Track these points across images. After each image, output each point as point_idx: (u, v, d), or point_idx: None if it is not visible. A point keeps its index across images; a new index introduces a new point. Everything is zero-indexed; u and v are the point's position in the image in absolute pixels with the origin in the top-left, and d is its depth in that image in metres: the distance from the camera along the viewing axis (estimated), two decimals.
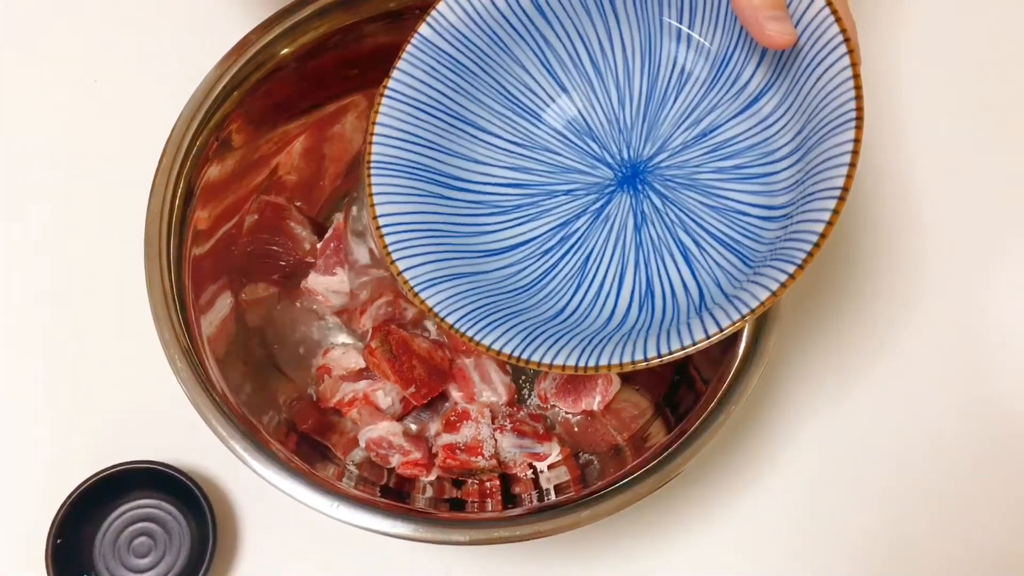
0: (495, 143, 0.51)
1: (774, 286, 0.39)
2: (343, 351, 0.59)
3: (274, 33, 0.52)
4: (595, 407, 0.58)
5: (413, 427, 0.59)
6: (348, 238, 0.55)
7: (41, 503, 0.55)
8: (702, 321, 0.41)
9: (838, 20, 0.39)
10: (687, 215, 0.47)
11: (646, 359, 0.41)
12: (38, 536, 0.54)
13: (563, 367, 0.42)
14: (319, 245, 0.60)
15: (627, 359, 0.41)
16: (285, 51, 0.53)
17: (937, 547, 0.58)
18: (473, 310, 0.46)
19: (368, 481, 0.54)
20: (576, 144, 0.50)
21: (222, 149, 0.54)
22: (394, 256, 0.46)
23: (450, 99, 0.49)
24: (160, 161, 0.51)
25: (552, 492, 0.53)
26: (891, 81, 0.65)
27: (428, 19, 0.48)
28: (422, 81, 0.49)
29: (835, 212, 0.39)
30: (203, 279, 0.53)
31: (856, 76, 0.39)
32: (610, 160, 0.49)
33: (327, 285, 0.58)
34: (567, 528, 0.46)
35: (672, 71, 0.48)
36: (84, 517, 0.55)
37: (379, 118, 0.48)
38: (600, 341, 0.44)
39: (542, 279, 0.49)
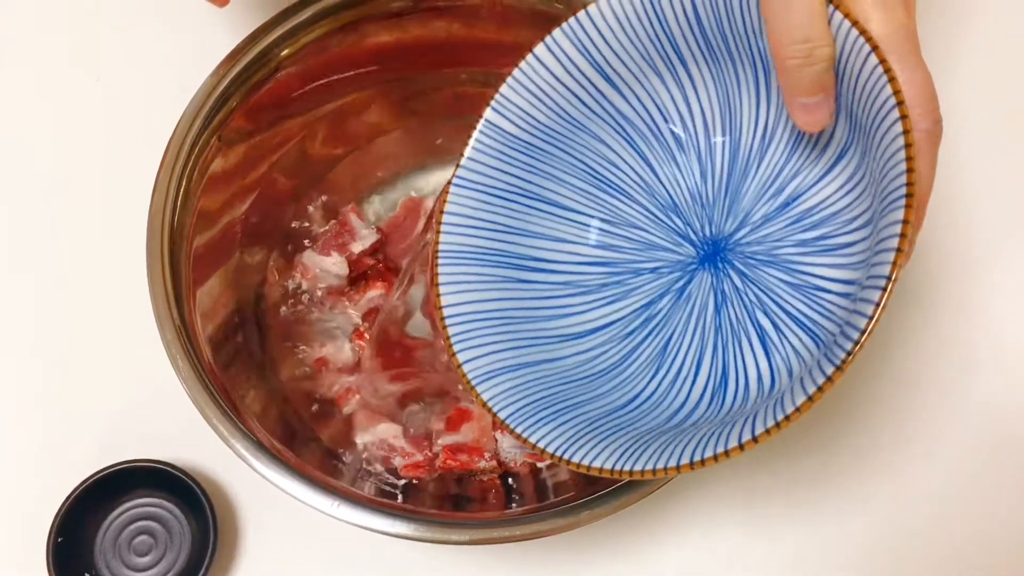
0: (581, 220, 0.49)
1: (811, 389, 0.36)
2: (340, 344, 0.59)
3: (276, 33, 0.53)
4: None
5: (414, 423, 0.59)
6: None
7: (42, 501, 0.55)
8: (749, 422, 0.38)
9: (891, 80, 0.35)
10: (767, 295, 0.44)
11: (678, 466, 0.38)
12: (39, 534, 0.54)
13: (600, 469, 0.40)
14: (324, 228, 0.61)
15: (660, 465, 0.38)
16: (286, 52, 0.53)
17: (939, 545, 0.58)
18: (531, 403, 0.44)
19: (369, 481, 0.55)
20: (661, 220, 0.48)
21: (225, 147, 0.54)
22: (456, 348, 0.45)
23: (527, 181, 0.48)
24: (163, 158, 0.51)
25: (552, 491, 0.54)
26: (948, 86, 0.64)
27: (493, 103, 0.46)
28: (493, 167, 0.47)
29: (878, 305, 0.34)
30: (204, 275, 0.53)
31: (908, 146, 0.35)
32: (693, 237, 0.47)
33: (320, 264, 0.59)
34: (566, 528, 0.46)
35: (754, 137, 0.45)
36: (85, 515, 0.55)
37: (448, 207, 0.46)
38: (647, 441, 0.41)
39: (621, 363, 0.46)
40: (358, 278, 0.61)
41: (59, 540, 0.54)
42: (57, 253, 0.63)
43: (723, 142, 0.46)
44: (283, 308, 0.60)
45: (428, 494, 0.55)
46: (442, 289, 0.46)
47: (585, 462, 0.40)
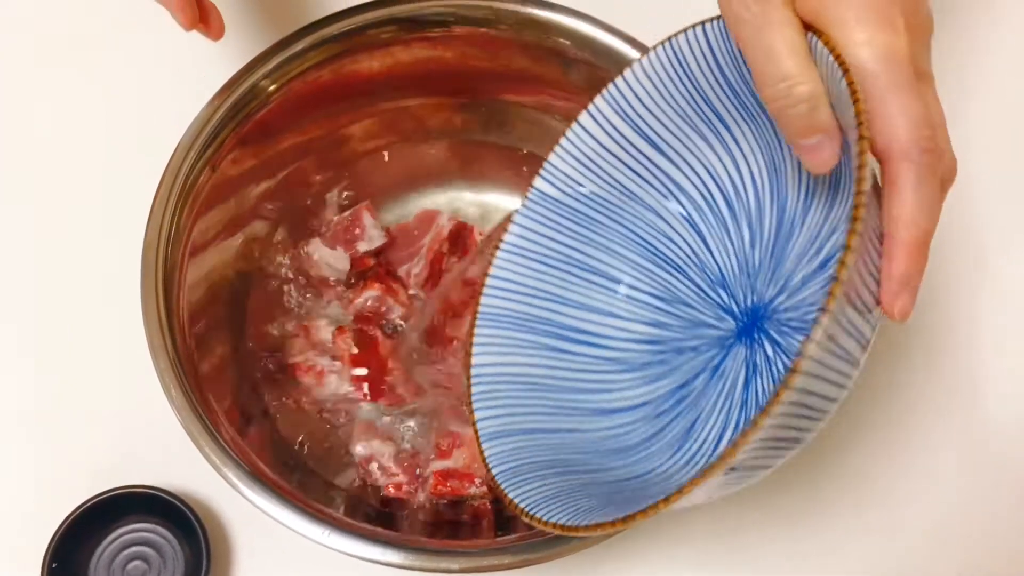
0: (635, 296, 0.47)
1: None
2: (327, 323, 0.60)
3: (270, 65, 0.53)
4: None
5: (407, 442, 0.59)
6: None
7: (37, 527, 0.56)
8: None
9: (856, 102, 0.33)
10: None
11: (613, 522, 0.36)
12: (34, 560, 0.54)
13: (554, 525, 0.38)
14: (336, 218, 0.61)
15: (609, 518, 0.37)
16: (275, 85, 0.54)
17: (937, 560, 0.58)
18: (530, 463, 0.43)
19: (358, 504, 0.55)
20: (709, 295, 0.46)
21: (219, 175, 0.54)
22: (475, 404, 0.45)
23: (578, 251, 0.47)
24: (158, 189, 0.52)
25: None
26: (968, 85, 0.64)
27: (541, 172, 0.46)
28: (542, 235, 0.46)
29: (792, 371, 0.31)
30: (199, 302, 0.54)
31: (860, 167, 0.32)
32: (735, 309, 0.44)
33: (324, 256, 0.59)
34: (555, 557, 0.46)
35: (799, 195, 0.42)
36: (80, 541, 0.56)
37: (493, 271, 0.46)
38: (615, 500, 0.39)
39: (644, 443, 0.44)
40: (357, 277, 0.61)
41: (54, 566, 0.54)
42: (51, 278, 0.63)
43: (771, 204, 0.43)
44: (277, 290, 0.60)
45: (419, 520, 0.55)
46: (476, 349, 0.46)
47: (548, 518, 0.39)
